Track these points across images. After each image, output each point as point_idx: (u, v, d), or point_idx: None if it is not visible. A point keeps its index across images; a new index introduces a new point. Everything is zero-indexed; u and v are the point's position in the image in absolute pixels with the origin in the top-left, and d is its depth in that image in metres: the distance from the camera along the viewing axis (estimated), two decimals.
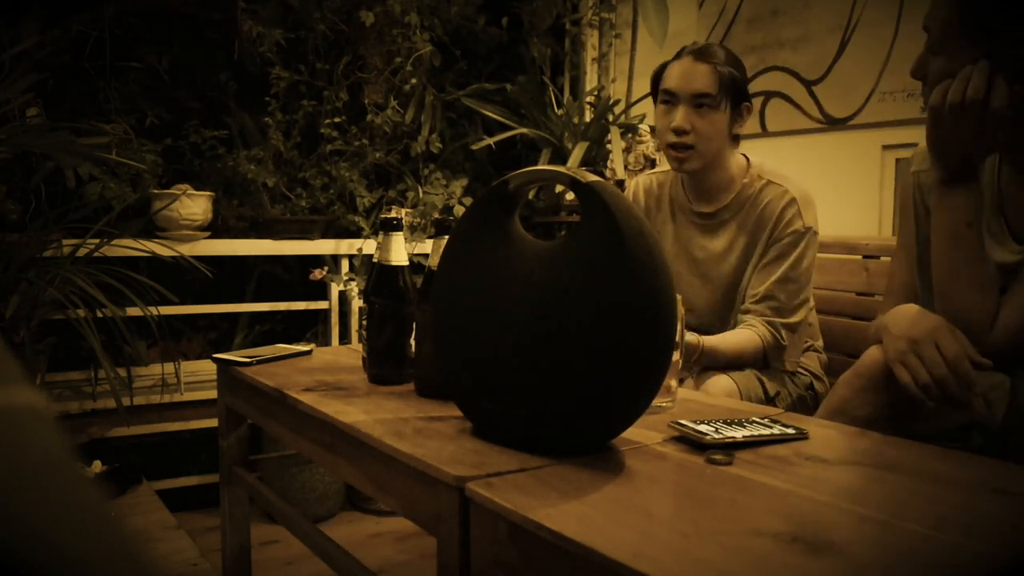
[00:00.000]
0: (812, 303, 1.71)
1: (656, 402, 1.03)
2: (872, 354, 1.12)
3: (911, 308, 1.14)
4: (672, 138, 1.61)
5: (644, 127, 2.53)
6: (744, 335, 1.60)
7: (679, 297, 0.98)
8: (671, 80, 1.63)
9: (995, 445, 1.05)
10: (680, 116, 1.60)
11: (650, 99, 2.79)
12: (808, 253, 1.60)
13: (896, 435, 1.01)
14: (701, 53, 1.61)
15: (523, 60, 2.97)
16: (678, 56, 1.65)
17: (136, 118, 2.51)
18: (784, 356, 1.62)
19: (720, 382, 1.53)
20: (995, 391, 1.09)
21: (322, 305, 2.62)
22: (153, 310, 2.11)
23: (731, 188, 1.66)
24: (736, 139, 1.67)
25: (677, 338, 1.05)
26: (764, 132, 2.50)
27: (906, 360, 1.08)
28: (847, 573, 0.61)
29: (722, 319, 1.69)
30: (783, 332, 1.59)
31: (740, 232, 1.65)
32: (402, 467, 0.91)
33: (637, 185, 1.85)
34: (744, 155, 1.70)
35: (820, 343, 1.79)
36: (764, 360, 1.60)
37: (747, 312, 1.63)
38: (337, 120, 2.66)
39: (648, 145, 2.49)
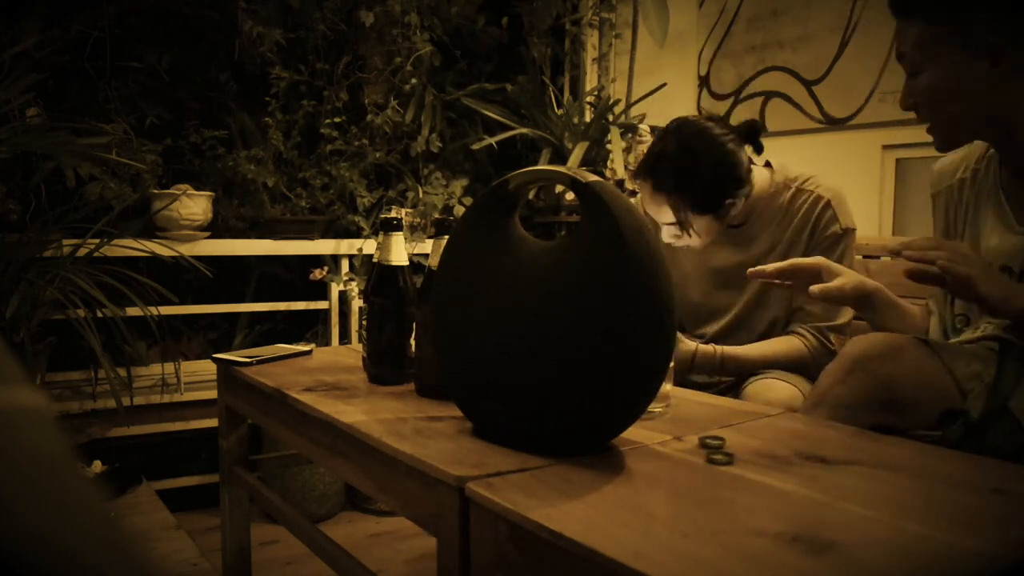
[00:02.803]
0: None
1: (650, 407, 1.03)
2: (853, 343, 1.15)
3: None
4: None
5: (644, 127, 2.53)
6: (786, 342, 1.59)
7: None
8: (643, 205, 1.60)
9: (974, 436, 1.08)
10: (666, 235, 1.59)
11: (650, 98, 2.80)
12: (848, 252, 1.60)
13: (877, 425, 1.04)
14: (654, 183, 1.55)
15: (523, 60, 2.97)
16: (637, 174, 1.60)
17: (136, 118, 2.52)
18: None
19: (776, 388, 1.50)
20: (973, 382, 1.12)
21: (322, 305, 2.63)
22: (153, 310, 2.11)
23: (757, 202, 1.63)
24: (748, 172, 1.58)
25: None
26: (764, 132, 2.50)
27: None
28: (847, 573, 0.61)
29: (749, 328, 1.66)
30: (831, 336, 1.58)
31: (775, 242, 1.62)
32: (402, 467, 0.91)
33: None
34: (767, 163, 1.66)
35: None
36: (815, 366, 1.54)
37: (793, 319, 1.62)
38: (337, 120, 2.66)
39: (648, 145, 2.49)
